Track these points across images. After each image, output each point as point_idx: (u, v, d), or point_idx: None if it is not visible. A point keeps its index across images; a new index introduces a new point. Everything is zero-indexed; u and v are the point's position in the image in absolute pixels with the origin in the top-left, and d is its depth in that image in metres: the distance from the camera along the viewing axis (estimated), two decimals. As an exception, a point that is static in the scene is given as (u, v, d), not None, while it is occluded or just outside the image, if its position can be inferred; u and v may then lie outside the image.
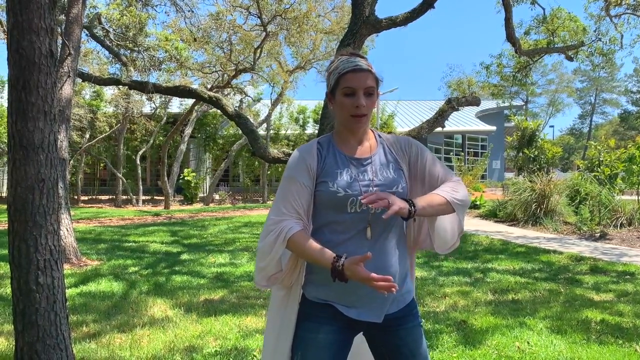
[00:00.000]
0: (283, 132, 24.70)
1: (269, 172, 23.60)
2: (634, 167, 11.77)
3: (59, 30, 8.10)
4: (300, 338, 1.74)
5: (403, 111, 30.58)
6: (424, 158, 1.87)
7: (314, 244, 1.68)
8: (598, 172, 12.59)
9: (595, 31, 12.24)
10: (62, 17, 9.00)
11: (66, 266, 6.98)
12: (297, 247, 1.69)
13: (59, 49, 7.43)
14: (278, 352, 1.81)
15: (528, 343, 3.95)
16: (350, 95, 1.73)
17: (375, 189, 1.74)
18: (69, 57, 7.42)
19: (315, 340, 1.71)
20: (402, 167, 1.84)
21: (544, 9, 12.32)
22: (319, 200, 1.76)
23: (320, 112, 7.11)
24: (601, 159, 13.10)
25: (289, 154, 8.77)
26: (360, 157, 1.80)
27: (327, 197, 1.73)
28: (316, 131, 21.30)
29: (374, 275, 1.54)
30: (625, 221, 10.54)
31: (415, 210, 1.68)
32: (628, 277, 6.40)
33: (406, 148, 1.87)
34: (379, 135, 1.88)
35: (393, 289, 1.54)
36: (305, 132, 24.66)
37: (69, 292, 5.55)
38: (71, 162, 19.08)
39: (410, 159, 1.86)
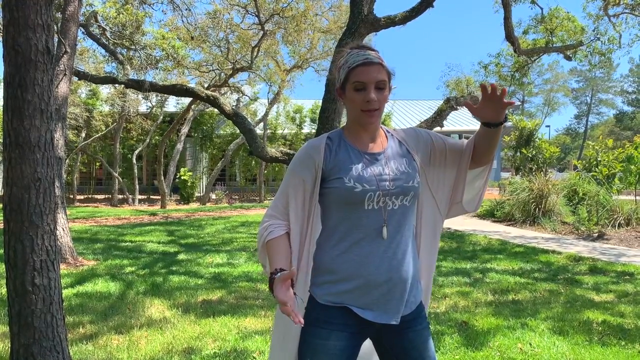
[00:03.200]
0: (280, 131, 24.64)
1: (265, 172, 23.54)
2: (631, 167, 11.78)
3: (55, 28, 8.03)
4: (309, 344, 1.69)
5: (401, 111, 30.56)
6: (436, 135, 1.89)
7: (278, 252, 1.67)
8: (596, 172, 12.60)
9: (593, 30, 12.22)
10: (59, 15, 8.93)
11: (62, 266, 6.91)
12: (269, 252, 1.70)
13: (55, 47, 7.36)
14: (284, 356, 1.78)
15: (530, 344, 3.91)
16: (360, 90, 1.68)
17: (391, 183, 1.70)
18: (65, 55, 7.36)
19: (326, 347, 1.66)
20: (415, 159, 1.81)
21: (542, 9, 12.30)
22: (334, 197, 1.70)
23: (318, 111, 7.06)
24: (599, 159, 13.10)
25: (287, 154, 8.73)
26: (373, 152, 1.76)
27: (343, 193, 1.67)
28: (313, 130, 21.26)
29: (282, 298, 1.53)
30: (623, 221, 10.54)
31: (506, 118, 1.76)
32: (627, 277, 6.38)
33: (415, 136, 1.87)
34: (387, 131, 1.84)
35: (296, 320, 1.52)
36: (302, 131, 24.61)
37: (65, 292, 5.49)
38: (67, 161, 18.96)
39: (425, 143, 1.85)
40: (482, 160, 1.87)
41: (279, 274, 1.58)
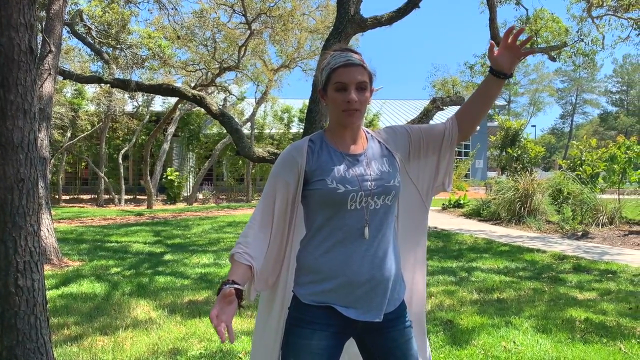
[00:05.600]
0: (267, 131, 24.62)
1: (253, 171, 23.51)
2: (614, 166, 11.94)
3: (40, 27, 7.96)
4: (292, 344, 1.71)
5: (388, 111, 30.68)
6: (412, 127, 1.93)
7: (239, 267, 1.67)
8: (580, 171, 12.76)
9: (577, 32, 12.38)
10: (43, 13, 8.85)
11: (47, 267, 6.85)
12: (232, 264, 1.71)
13: (39, 46, 7.29)
14: (264, 352, 1.80)
15: (514, 342, 3.95)
16: (341, 91, 1.70)
17: (372, 183, 1.72)
18: (49, 54, 7.29)
19: (309, 347, 1.68)
20: (395, 157, 1.83)
21: (527, 10, 12.44)
22: (316, 199, 1.72)
23: (306, 111, 7.08)
24: (583, 158, 13.26)
25: (274, 153, 8.73)
26: (355, 153, 1.78)
27: (326, 194, 1.69)
28: (301, 130, 21.27)
29: (213, 320, 1.53)
30: (606, 220, 10.68)
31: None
32: (610, 275, 6.47)
33: (394, 134, 1.89)
34: (367, 132, 1.86)
35: (222, 339, 1.52)
36: (290, 131, 24.60)
37: (50, 293, 5.44)
38: (52, 161, 18.77)
39: (403, 138, 1.88)
40: (469, 125, 1.92)
41: (227, 286, 1.59)
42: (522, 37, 1.86)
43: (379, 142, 1.85)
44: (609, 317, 4.64)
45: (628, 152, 11.86)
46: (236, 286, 1.60)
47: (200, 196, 22.94)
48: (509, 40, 1.81)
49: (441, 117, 28.48)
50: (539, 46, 12.12)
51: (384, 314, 1.72)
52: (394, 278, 1.75)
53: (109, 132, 21.91)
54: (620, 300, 5.24)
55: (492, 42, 1.85)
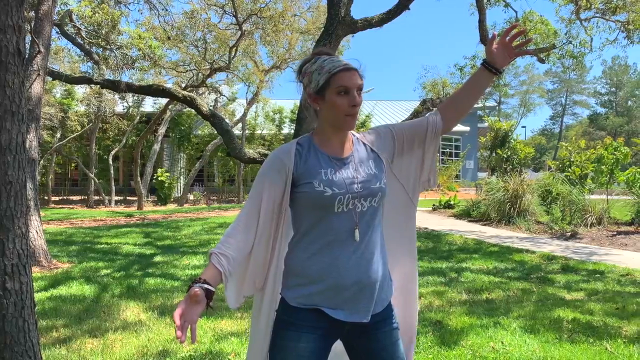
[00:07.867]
0: (259, 132, 24.60)
1: (244, 172, 23.48)
2: (602, 167, 12.05)
3: (29, 27, 7.91)
4: (279, 347, 1.72)
5: (379, 112, 30.76)
6: (395, 125, 1.95)
7: (212, 268, 1.69)
8: (569, 172, 12.85)
9: (566, 34, 12.47)
10: (32, 13, 8.80)
11: (36, 269, 6.82)
12: (209, 261, 1.72)
13: (28, 47, 7.26)
14: (254, 356, 1.82)
15: (502, 343, 3.99)
16: (343, 94, 1.72)
17: (359, 185, 1.74)
18: (39, 55, 7.25)
19: (296, 349, 1.69)
20: (382, 159, 1.85)
21: (516, 12, 12.50)
22: (304, 202, 1.73)
23: (297, 112, 7.08)
24: (572, 159, 13.37)
25: (265, 155, 8.73)
26: (342, 157, 1.80)
27: (313, 197, 1.70)
28: (292, 131, 21.28)
29: (176, 319, 1.54)
30: (595, 220, 10.77)
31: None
32: (598, 275, 6.53)
33: (378, 134, 1.92)
34: (354, 134, 1.88)
35: (179, 339, 1.54)
36: (282, 132, 24.60)
37: (39, 295, 5.42)
38: (41, 162, 18.66)
39: (387, 137, 1.91)
40: (454, 117, 1.95)
41: (196, 285, 1.60)
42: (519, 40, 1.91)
43: (365, 144, 1.87)
44: (596, 317, 4.69)
45: (615, 153, 11.97)
46: (206, 286, 1.60)
47: (191, 197, 22.86)
48: (507, 39, 1.85)
49: (432, 118, 28.60)
50: (528, 48, 12.21)
51: (371, 315, 1.74)
52: (381, 279, 1.76)
53: (99, 133, 21.81)
54: (607, 300, 5.29)
55: (495, 33, 1.89)
